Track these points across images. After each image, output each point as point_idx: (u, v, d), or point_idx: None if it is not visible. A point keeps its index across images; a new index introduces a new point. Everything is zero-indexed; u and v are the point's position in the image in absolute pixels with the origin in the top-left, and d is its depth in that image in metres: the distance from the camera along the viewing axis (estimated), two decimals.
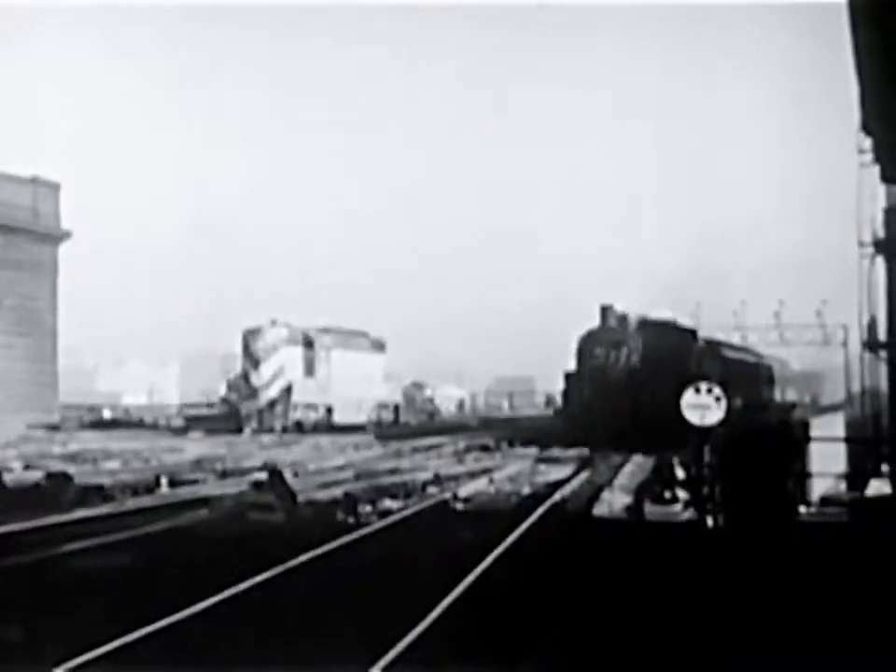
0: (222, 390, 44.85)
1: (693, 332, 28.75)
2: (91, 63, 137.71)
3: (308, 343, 42.02)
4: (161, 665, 7.15)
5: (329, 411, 42.22)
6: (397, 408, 48.94)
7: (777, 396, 37.65)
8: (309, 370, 41.78)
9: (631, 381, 24.99)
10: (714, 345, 30.72)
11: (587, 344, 27.18)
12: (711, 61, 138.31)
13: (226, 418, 40.25)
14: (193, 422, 41.74)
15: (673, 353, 24.64)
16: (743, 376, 29.99)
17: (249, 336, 40.26)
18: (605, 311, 26.93)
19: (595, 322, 28.19)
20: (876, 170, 14.52)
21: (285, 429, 38.17)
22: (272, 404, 39.47)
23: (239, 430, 37.37)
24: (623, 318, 27.08)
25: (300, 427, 38.94)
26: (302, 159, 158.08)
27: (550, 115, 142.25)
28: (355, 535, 12.35)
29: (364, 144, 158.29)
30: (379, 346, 47.74)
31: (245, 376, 40.10)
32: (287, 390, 39.87)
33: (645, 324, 27.44)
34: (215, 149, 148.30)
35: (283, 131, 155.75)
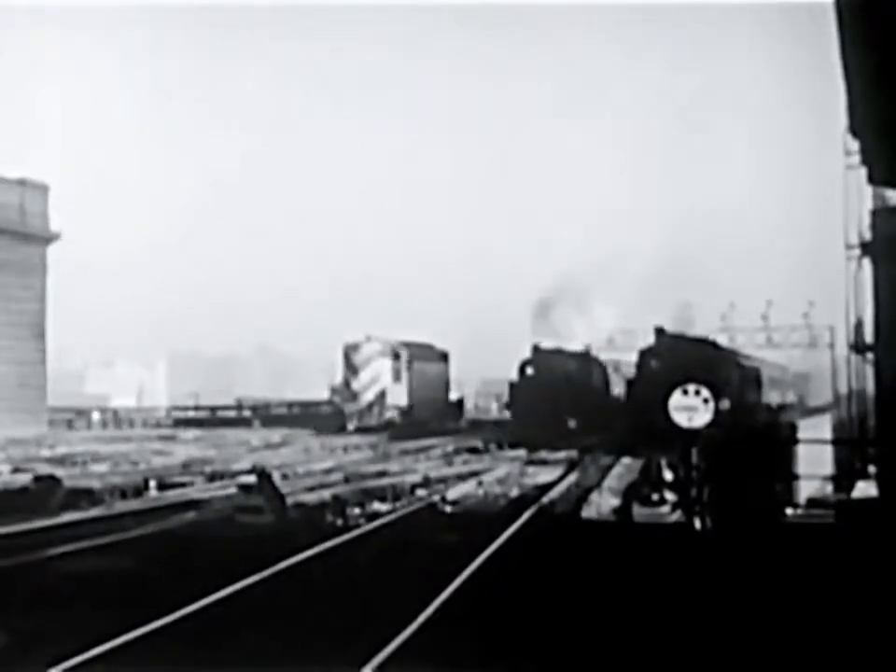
0: (326, 394, 53.44)
1: (718, 346, 35.34)
2: (83, 64, 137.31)
3: (395, 355, 48.83)
4: (154, 665, 7.15)
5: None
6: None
7: (779, 398, 42.59)
8: (396, 377, 48.66)
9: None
10: (733, 354, 37.10)
11: (645, 357, 33.68)
12: (707, 60, 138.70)
13: (332, 417, 46.49)
14: (302, 420, 46.97)
15: (707, 362, 29.24)
16: (753, 380, 36.48)
17: (349, 350, 47.94)
18: (658, 331, 33.80)
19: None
20: (863, 172, 14.54)
21: (382, 427, 43.47)
22: (369, 406, 47.12)
23: (343, 428, 43.06)
24: (673, 336, 33.68)
25: (389, 425, 44.25)
26: (293, 161, 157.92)
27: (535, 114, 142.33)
28: (343, 538, 12.36)
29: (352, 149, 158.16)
30: (443, 357, 54.50)
31: (347, 383, 47.86)
32: (382, 394, 47.42)
33: (686, 340, 33.77)
34: (207, 151, 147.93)
35: (278, 133, 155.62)
